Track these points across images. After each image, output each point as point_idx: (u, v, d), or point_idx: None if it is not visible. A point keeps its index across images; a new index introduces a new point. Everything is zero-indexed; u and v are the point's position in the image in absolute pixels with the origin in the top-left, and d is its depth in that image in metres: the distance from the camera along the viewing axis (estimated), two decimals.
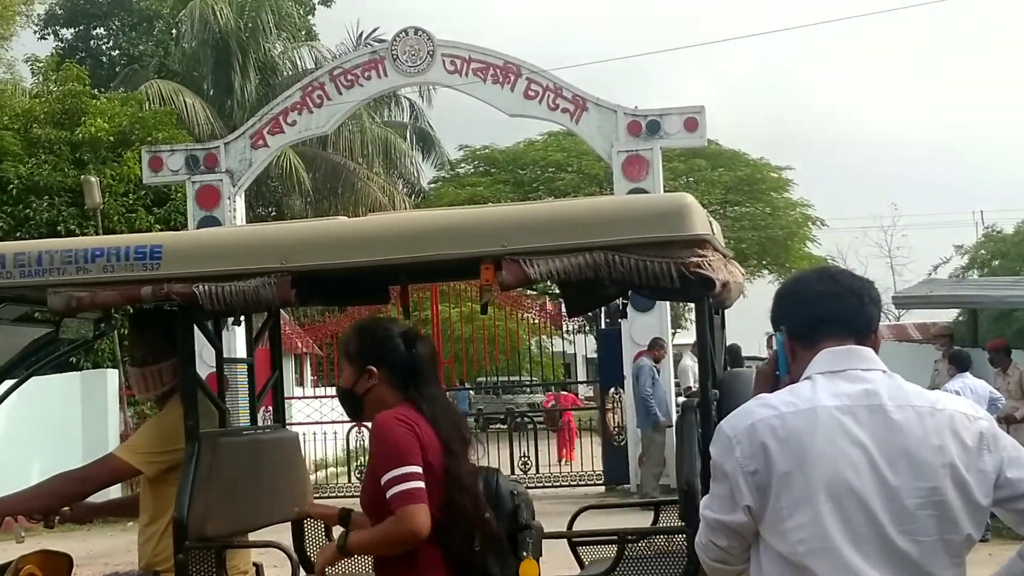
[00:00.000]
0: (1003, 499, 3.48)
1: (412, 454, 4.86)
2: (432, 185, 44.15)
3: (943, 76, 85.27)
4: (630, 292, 6.57)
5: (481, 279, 5.29)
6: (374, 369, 5.11)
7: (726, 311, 6.24)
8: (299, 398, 27.80)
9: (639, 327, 20.77)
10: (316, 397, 27.39)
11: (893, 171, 77.45)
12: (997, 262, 44.47)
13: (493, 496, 5.16)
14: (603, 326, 24.03)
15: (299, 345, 29.34)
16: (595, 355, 25.84)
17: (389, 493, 4.73)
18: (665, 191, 27.37)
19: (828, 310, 3.69)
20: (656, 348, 20.56)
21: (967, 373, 16.22)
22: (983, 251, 46.89)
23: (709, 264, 5.11)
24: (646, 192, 19.17)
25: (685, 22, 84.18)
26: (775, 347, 3.82)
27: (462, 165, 44.71)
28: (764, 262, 42.22)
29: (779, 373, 3.80)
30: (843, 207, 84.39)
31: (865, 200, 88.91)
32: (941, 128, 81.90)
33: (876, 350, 3.67)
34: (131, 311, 5.80)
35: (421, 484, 4.78)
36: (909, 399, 3.49)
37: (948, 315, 29.16)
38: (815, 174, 76.71)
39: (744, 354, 22.97)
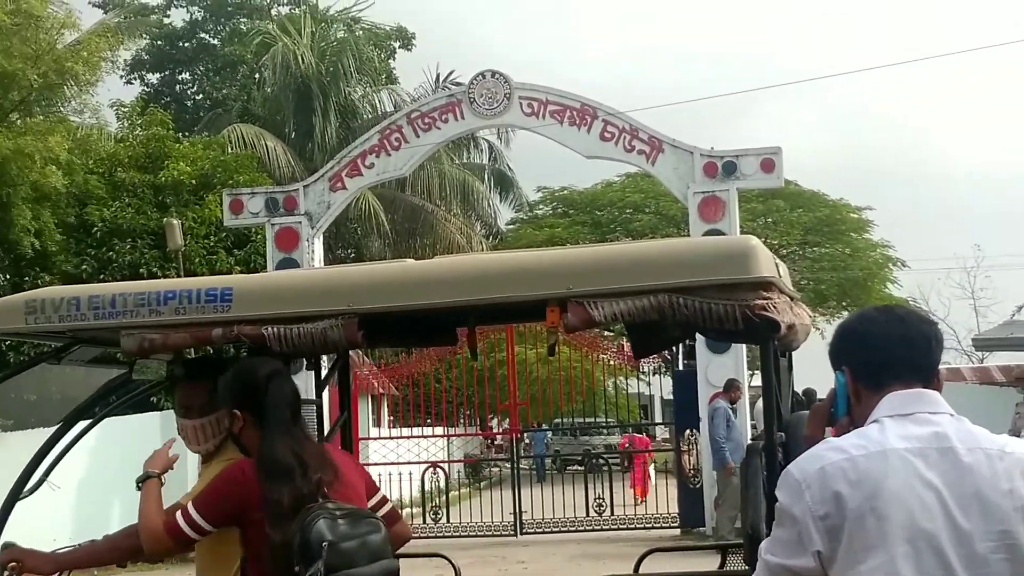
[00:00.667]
0: None
1: (217, 513, 5.05)
2: (510, 227, 44.37)
3: None
4: (697, 334, 6.56)
5: (547, 321, 5.31)
6: (237, 412, 5.14)
7: (793, 353, 6.22)
8: (375, 439, 27.83)
9: (715, 368, 20.75)
10: (392, 438, 27.36)
11: (979, 209, 76.70)
12: None
13: (304, 544, 4.87)
14: (680, 367, 23.91)
15: (376, 385, 29.38)
16: (671, 396, 25.73)
17: (174, 515, 5.06)
18: (742, 232, 27.26)
19: (897, 354, 3.66)
20: (732, 390, 20.48)
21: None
22: None
23: (774, 306, 5.09)
24: (722, 233, 19.17)
25: (764, 59, 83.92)
26: (835, 386, 3.81)
27: (540, 206, 44.93)
28: (844, 303, 41.95)
29: (836, 412, 3.79)
30: (925, 247, 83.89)
31: (949, 240, 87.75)
32: None
33: (939, 391, 3.64)
34: (174, 363, 5.78)
35: (190, 531, 5.03)
36: (978, 442, 3.48)
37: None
38: (897, 214, 76.04)
39: (819, 396, 22.81)
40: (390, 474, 24.03)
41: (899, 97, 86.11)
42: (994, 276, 69.39)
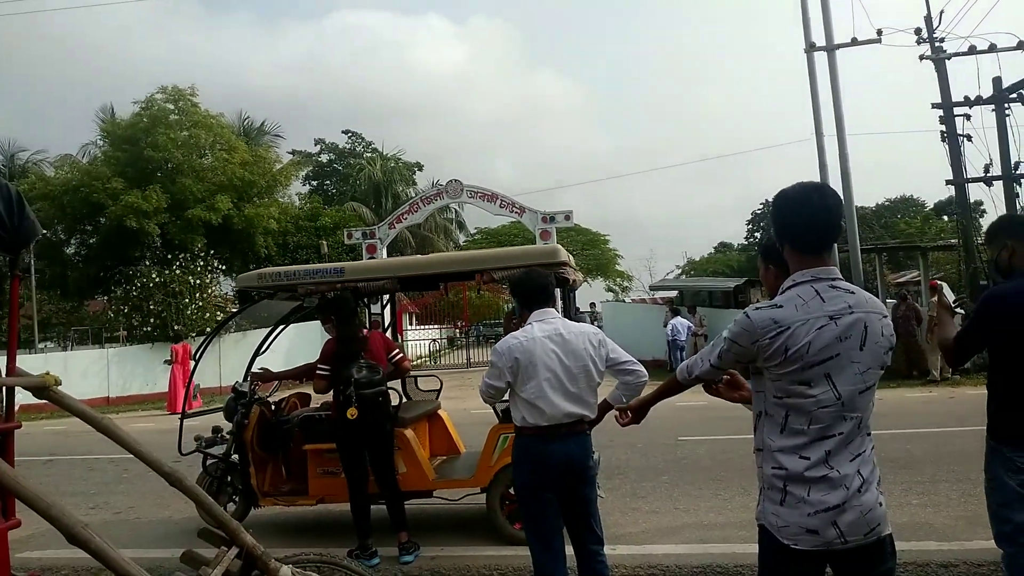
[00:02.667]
0: (609, 366, 3.32)
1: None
2: (465, 241, 43.70)
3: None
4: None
5: (476, 280, 5.20)
6: (332, 318, 4.87)
7: (576, 292, 6.12)
8: (411, 329, 27.55)
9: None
10: (412, 329, 27.13)
11: (652, 233, 74.56)
12: (692, 272, 44.67)
13: (348, 376, 4.61)
14: None
15: (409, 307, 29.16)
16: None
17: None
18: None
19: (541, 293, 3.41)
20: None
21: (677, 316, 16.29)
22: (688, 268, 47.01)
23: (567, 272, 5.04)
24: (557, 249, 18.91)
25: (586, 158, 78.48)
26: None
27: (477, 235, 44.20)
28: (599, 273, 41.80)
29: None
30: (630, 249, 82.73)
31: (642, 247, 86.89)
32: (678, 221, 78.75)
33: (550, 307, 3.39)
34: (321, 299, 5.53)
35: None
36: (571, 329, 3.31)
37: (672, 293, 29.13)
38: (623, 236, 75.16)
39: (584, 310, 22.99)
40: (413, 343, 23.74)
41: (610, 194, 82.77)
42: (658, 263, 69.63)
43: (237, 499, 5.30)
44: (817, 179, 15.48)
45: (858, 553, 2.03)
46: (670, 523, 5.00)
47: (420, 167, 37.67)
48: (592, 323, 20.95)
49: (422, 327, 27.79)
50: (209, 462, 5.35)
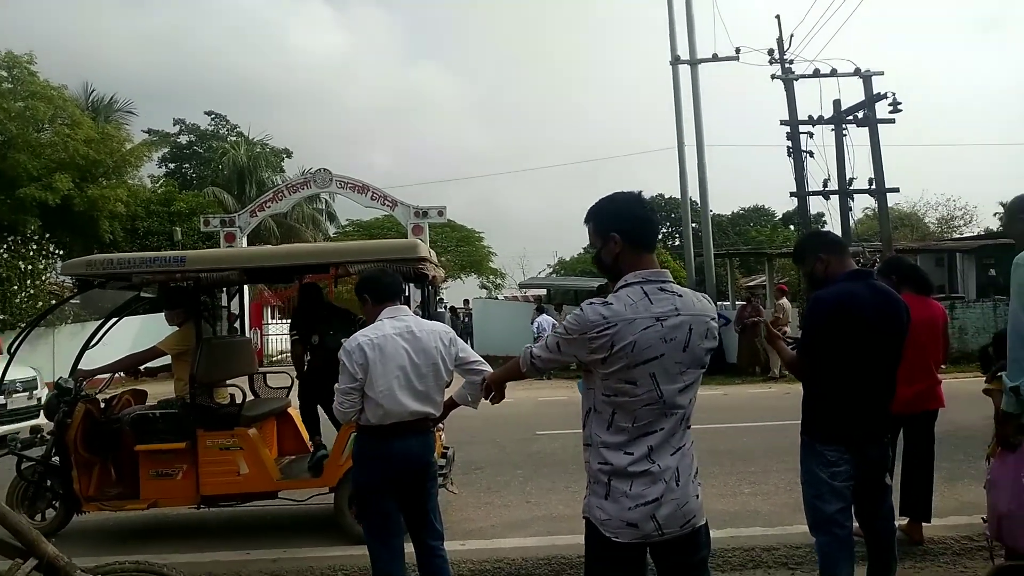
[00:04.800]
0: (457, 365, 3.35)
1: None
2: (334, 235, 42.34)
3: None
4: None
5: (330, 272, 5.08)
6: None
7: (440, 288, 6.10)
8: (271, 323, 26.33)
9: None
10: (273, 323, 25.99)
11: (525, 233, 75.44)
12: (563, 271, 45.57)
13: None
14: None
15: (271, 299, 27.93)
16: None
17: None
18: (431, 243, 27.01)
19: (392, 289, 3.39)
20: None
21: (543, 314, 16.50)
22: (559, 267, 48.00)
23: (427, 267, 5.02)
24: (423, 243, 18.80)
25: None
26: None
27: (348, 227, 42.88)
28: (471, 270, 41.82)
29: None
30: (504, 247, 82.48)
31: (514, 244, 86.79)
32: (547, 220, 78.88)
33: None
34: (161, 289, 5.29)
35: None
36: (424, 327, 3.31)
37: (541, 291, 29.82)
38: (494, 234, 75.35)
39: (457, 307, 23.06)
40: (274, 338, 22.73)
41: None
42: (531, 260, 70.55)
43: (57, 505, 4.89)
44: (678, 185, 16.67)
45: (674, 544, 2.14)
46: (520, 516, 5.07)
47: (289, 154, 36.18)
48: (460, 320, 21.42)
49: (285, 321, 26.69)
50: (24, 465, 4.90)
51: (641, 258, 2.25)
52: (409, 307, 3.44)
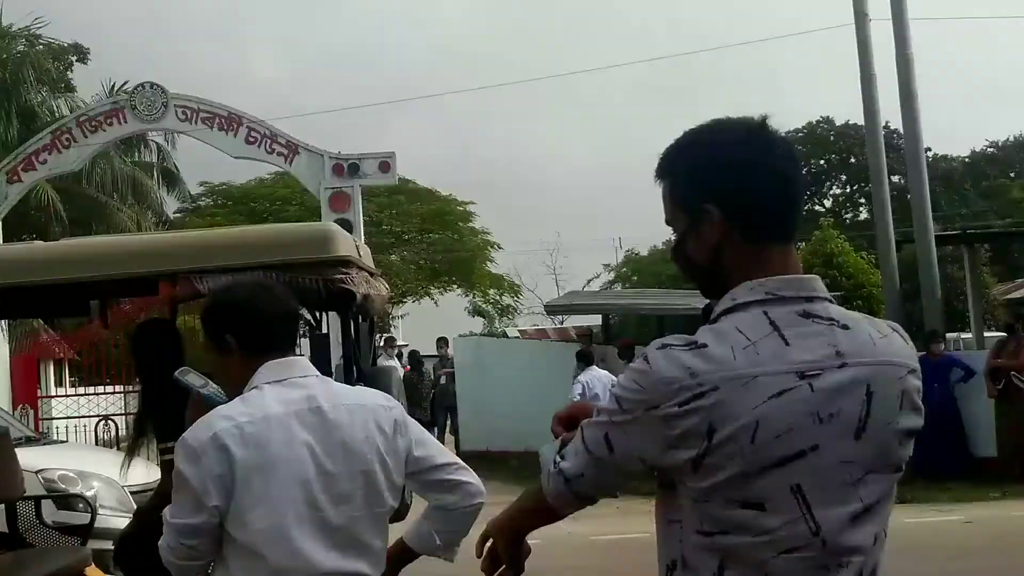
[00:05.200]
0: (412, 473, 3.56)
1: None
2: (177, 215, 42.97)
3: (599, 135, 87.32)
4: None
5: (160, 294, 5.17)
6: None
7: (383, 319, 6.21)
8: (57, 396, 26.61)
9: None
10: (69, 396, 26.19)
11: (557, 206, 78.77)
12: (636, 277, 46.48)
13: None
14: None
15: (57, 351, 28.15)
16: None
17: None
18: (367, 222, 27.32)
19: (276, 327, 3.62)
20: (390, 345, 20.85)
21: (592, 367, 16.75)
22: (625, 268, 48.87)
23: (352, 280, 5.11)
24: (350, 222, 19.11)
25: (406, 75, 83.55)
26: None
27: (203, 199, 43.64)
28: (453, 278, 42.57)
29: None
30: (517, 233, 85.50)
31: (536, 229, 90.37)
32: (592, 171, 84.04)
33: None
34: None
35: None
36: (340, 399, 3.49)
37: (592, 319, 30.45)
38: (496, 208, 77.15)
39: (424, 354, 23.51)
40: (75, 427, 22.84)
41: (506, 116, 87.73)
42: (571, 256, 71.99)
43: None
44: (855, 102, 16.78)
45: None
46: None
47: (83, 54, 36.61)
48: (428, 381, 22.07)
49: (85, 389, 26.91)
50: None
51: (765, 253, 2.35)
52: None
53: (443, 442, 24.46)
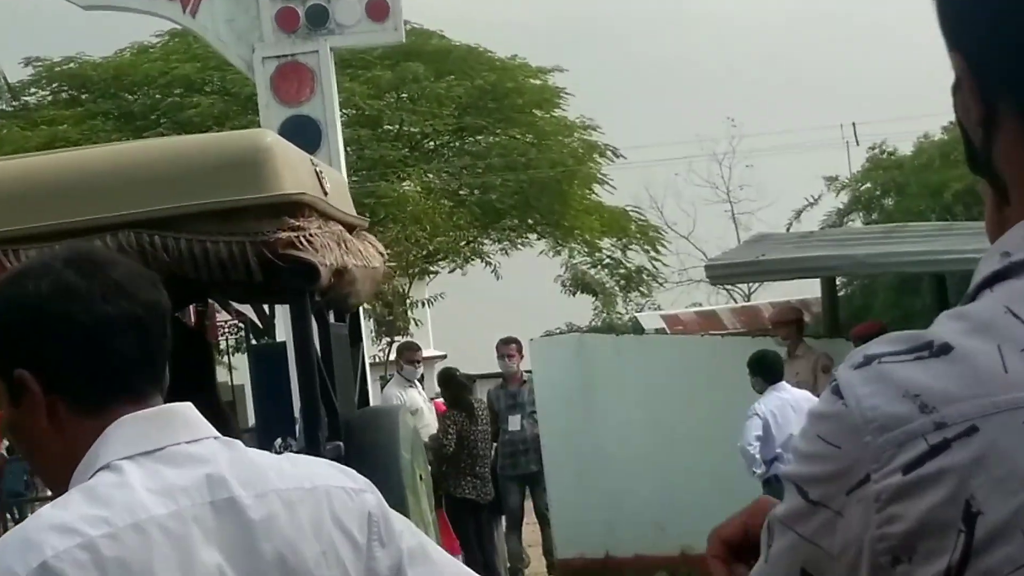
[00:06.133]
0: None
1: None
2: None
3: None
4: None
5: None
6: None
7: (369, 312, 6.25)
8: None
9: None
10: None
11: (722, 72, 78.02)
12: (891, 199, 46.03)
13: None
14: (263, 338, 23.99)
15: None
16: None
17: None
18: (350, 122, 27.41)
19: (124, 349, 3.65)
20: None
21: (782, 383, 17.40)
22: (867, 184, 48.45)
23: (310, 241, 5.12)
24: (312, 120, 19.27)
25: None
26: None
27: (33, 90, 44.08)
28: (530, 222, 42.59)
29: None
30: (646, 129, 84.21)
31: (684, 116, 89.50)
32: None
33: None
34: None
35: None
36: (268, 481, 3.57)
37: (814, 287, 30.22)
38: (600, 79, 76.76)
39: (478, 373, 23.46)
40: None
41: None
42: (759, 166, 71.09)
43: None
44: None
45: None
46: None
47: None
48: (481, 415, 22.51)
49: None
50: None
51: None
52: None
53: (519, 542, 24.93)
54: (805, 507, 2.24)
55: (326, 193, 5.46)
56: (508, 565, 23.49)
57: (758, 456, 17.50)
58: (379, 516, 3.62)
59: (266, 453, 3.70)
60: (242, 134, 5.24)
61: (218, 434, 3.60)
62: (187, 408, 3.61)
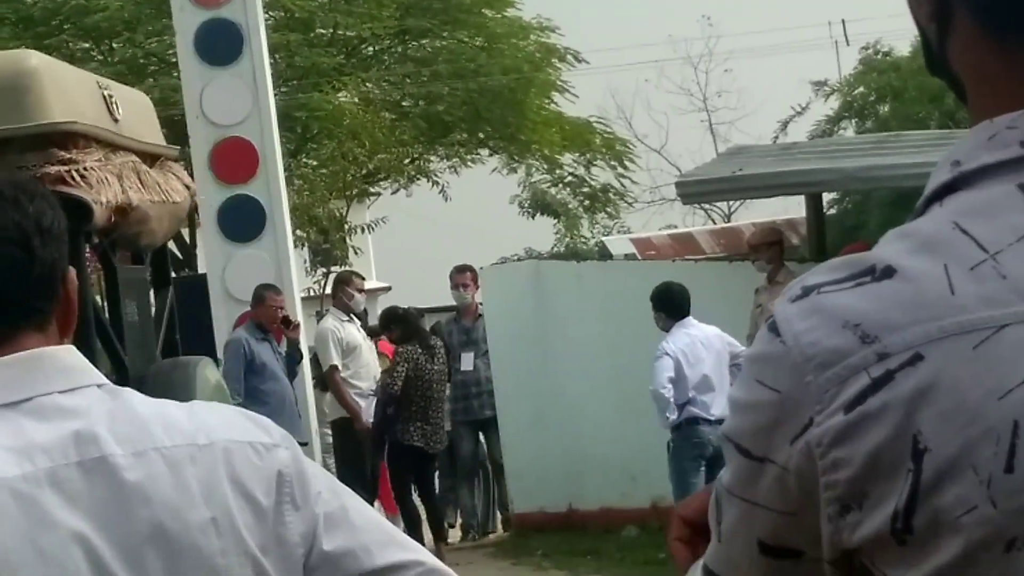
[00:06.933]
0: None
1: None
2: None
3: None
4: None
5: None
6: None
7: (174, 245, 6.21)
8: None
9: (239, 269, 20.77)
10: None
11: None
12: (886, 105, 46.48)
13: None
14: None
15: None
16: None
17: None
18: (276, 24, 27.41)
19: None
20: (261, 305, 20.58)
21: (689, 319, 18.09)
22: (859, 88, 48.90)
23: (83, 175, 5.01)
24: (232, 25, 19.25)
25: None
26: None
27: None
28: (481, 136, 42.76)
29: None
30: (611, 30, 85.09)
31: (652, 16, 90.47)
32: None
33: (69, 334, 3.68)
34: None
35: None
36: (151, 437, 3.44)
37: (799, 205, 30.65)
38: None
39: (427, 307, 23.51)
40: None
41: None
42: (739, 69, 71.53)
43: None
44: None
45: None
46: None
47: None
48: (437, 355, 23.00)
49: None
50: None
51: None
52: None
53: (472, 495, 25.12)
54: (749, 467, 2.39)
55: (116, 120, 5.34)
56: (460, 521, 23.76)
57: (672, 400, 17.92)
58: (292, 475, 3.55)
59: (163, 402, 3.61)
60: (3, 55, 5.15)
61: (104, 380, 3.55)
62: (65, 351, 3.56)
